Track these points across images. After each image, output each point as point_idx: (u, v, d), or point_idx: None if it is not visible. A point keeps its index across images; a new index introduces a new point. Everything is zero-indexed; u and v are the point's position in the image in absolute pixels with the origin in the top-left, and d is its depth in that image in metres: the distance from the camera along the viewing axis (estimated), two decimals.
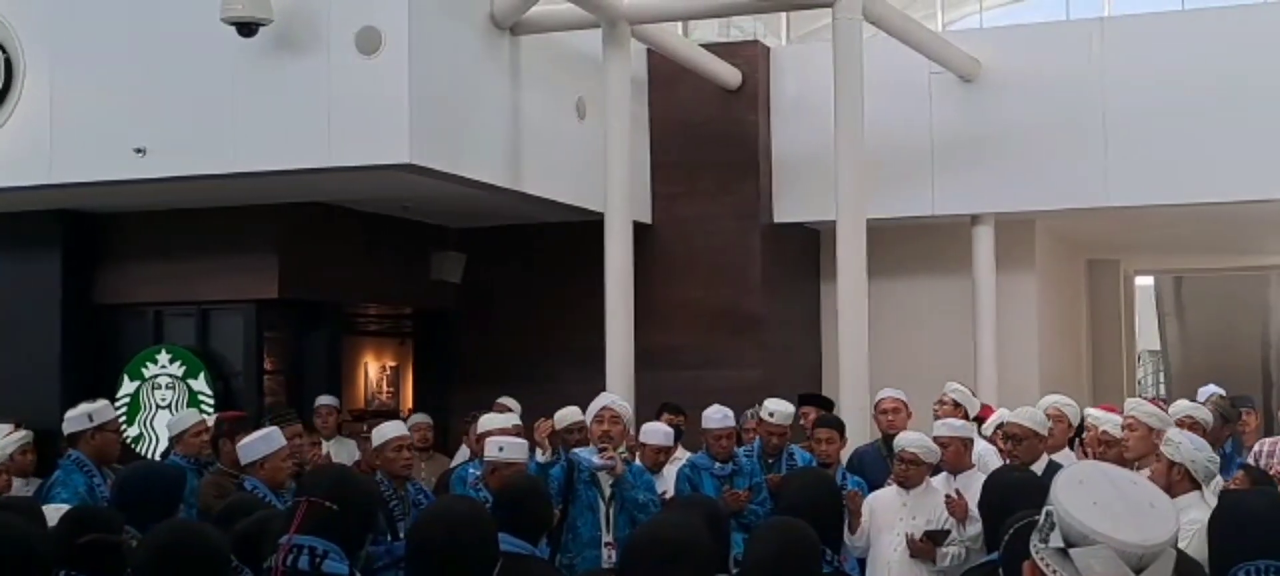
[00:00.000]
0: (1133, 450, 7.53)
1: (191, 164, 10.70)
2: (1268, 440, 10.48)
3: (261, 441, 7.67)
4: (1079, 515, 2.72)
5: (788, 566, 4.34)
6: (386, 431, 8.36)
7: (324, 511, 4.25)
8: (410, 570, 4.38)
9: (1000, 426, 9.08)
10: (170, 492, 6.53)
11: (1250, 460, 10.16)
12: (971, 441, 8.74)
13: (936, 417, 9.36)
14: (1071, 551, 2.72)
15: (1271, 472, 9.33)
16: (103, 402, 8.31)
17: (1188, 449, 6.43)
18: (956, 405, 9.76)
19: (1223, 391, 10.97)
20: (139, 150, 10.65)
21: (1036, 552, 2.81)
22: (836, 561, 5.11)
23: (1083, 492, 2.76)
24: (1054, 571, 2.75)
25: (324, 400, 12.00)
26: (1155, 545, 2.71)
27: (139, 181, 10.86)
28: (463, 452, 11.43)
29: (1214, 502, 6.19)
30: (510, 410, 11.13)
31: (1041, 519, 2.81)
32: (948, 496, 8.01)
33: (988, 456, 8.75)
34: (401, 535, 7.74)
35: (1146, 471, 6.74)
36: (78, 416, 8.11)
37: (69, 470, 7.90)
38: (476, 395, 12.04)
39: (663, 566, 4.08)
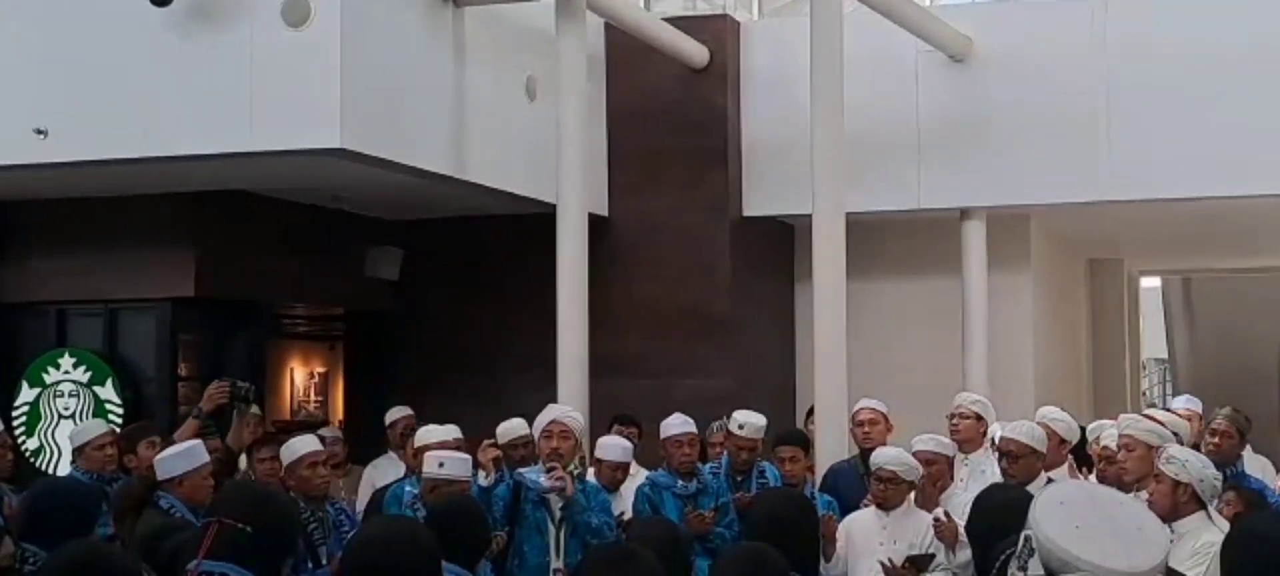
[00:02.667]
0: (1131, 472, 7.56)
1: (98, 147, 10.65)
2: None
3: (181, 457, 7.63)
4: (1060, 540, 2.75)
5: None
6: (297, 447, 8.40)
7: (237, 533, 4.24)
8: None
9: (994, 442, 9.14)
10: (84, 512, 6.53)
11: None
12: (952, 459, 8.79)
13: (953, 433, 9.40)
14: None
15: None
16: None
17: (1196, 467, 6.52)
18: (979, 417, 9.75)
19: (1199, 403, 11.20)
20: (40, 132, 10.59)
21: None
22: None
23: (1064, 515, 2.78)
24: None
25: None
26: (1144, 572, 2.74)
27: (40, 166, 10.80)
28: (389, 462, 11.45)
29: (1220, 522, 6.32)
30: (409, 417, 11.26)
31: (1020, 544, 2.85)
32: (935, 519, 8.07)
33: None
34: (323, 561, 7.77)
35: (1145, 494, 6.82)
36: None
37: None
38: (414, 404, 12.03)
39: (614, 566, 4.20)
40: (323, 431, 11.79)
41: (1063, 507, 2.83)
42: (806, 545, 5.31)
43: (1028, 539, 2.83)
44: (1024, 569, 2.83)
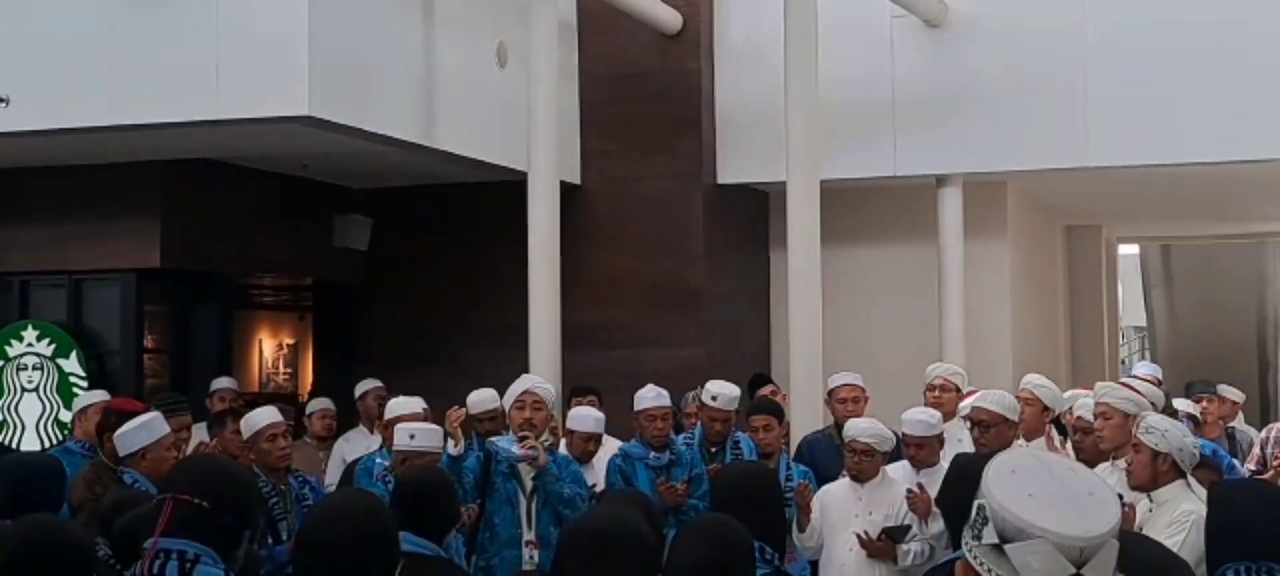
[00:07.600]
0: (1109, 440, 7.57)
1: (62, 115, 10.58)
2: (1275, 426, 10.70)
3: (141, 429, 7.63)
4: (1013, 508, 2.77)
5: (715, 573, 4.32)
6: (255, 420, 8.39)
7: (193, 509, 4.19)
8: (299, 574, 4.34)
9: (959, 412, 9.17)
10: (51, 485, 6.50)
11: (1258, 449, 10.41)
12: (943, 438, 8.77)
13: (937, 405, 9.38)
14: (1007, 547, 2.77)
15: (1275, 462, 9.52)
16: None
17: (1175, 436, 6.54)
18: (959, 391, 9.81)
19: (1159, 370, 11.26)
20: (2, 99, 10.54)
21: (969, 550, 2.85)
22: (778, 560, 5.11)
23: (1016, 483, 2.81)
24: (989, 570, 2.80)
25: (220, 383, 11.96)
26: (1097, 536, 2.76)
27: (1, 134, 10.73)
28: (359, 435, 11.47)
29: (1198, 490, 6.36)
30: (378, 388, 11.45)
31: (973, 513, 2.86)
32: (909, 490, 8.07)
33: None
34: (283, 537, 7.73)
35: (1124, 462, 6.83)
36: None
37: None
38: (385, 375, 12.00)
39: (600, 558, 4.12)
40: (318, 403, 11.82)
41: (1015, 476, 2.85)
42: (771, 516, 5.27)
43: (981, 508, 2.83)
44: (978, 537, 2.83)
